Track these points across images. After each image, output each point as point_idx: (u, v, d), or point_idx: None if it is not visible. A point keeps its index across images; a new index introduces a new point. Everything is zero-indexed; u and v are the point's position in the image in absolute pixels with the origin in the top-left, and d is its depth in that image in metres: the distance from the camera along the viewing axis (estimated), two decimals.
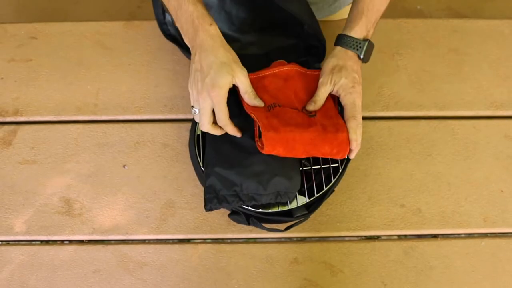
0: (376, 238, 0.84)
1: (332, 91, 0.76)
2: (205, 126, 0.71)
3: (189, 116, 0.89)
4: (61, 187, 0.85)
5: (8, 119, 0.90)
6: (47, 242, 0.83)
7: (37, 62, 0.94)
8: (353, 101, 0.74)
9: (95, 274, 0.80)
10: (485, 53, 0.96)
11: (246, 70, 0.70)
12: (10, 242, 0.83)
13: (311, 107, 0.76)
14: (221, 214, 0.83)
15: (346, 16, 0.86)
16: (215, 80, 0.67)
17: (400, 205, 0.84)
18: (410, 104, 0.92)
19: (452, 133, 0.90)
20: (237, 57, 0.71)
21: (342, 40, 0.78)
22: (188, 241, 0.83)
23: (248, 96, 0.72)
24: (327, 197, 0.77)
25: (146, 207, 0.84)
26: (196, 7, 0.69)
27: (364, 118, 0.89)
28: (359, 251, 0.82)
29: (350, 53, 0.77)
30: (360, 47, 0.77)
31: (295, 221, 0.78)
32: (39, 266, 0.81)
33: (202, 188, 0.82)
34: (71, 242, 0.83)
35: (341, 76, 0.75)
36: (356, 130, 0.73)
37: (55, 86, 0.92)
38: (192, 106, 0.71)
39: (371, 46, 0.78)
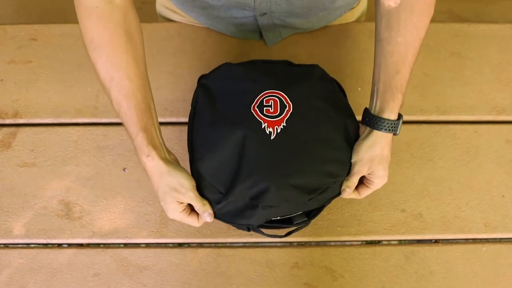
0: (377, 243, 0.84)
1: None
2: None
3: None
4: (61, 190, 0.84)
5: (7, 121, 0.90)
6: (46, 245, 0.83)
7: (37, 64, 0.93)
8: (377, 188, 0.76)
9: (94, 278, 0.80)
10: (487, 57, 0.96)
11: (192, 191, 0.70)
12: (9, 245, 0.83)
13: (345, 194, 0.75)
14: None
15: (348, 20, 0.85)
16: (167, 207, 0.71)
17: (401, 210, 0.84)
18: (412, 108, 0.91)
19: (454, 137, 0.89)
20: (177, 177, 0.70)
21: (380, 124, 0.73)
22: (188, 245, 0.83)
23: (200, 211, 0.72)
24: (328, 204, 0.77)
25: (146, 210, 0.83)
26: (137, 137, 0.68)
27: None
28: (359, 256, 0.82)
29: (389, 136, 0.74)
30: (396, 127, 0.74)
31: (295, 227, 0.77)
32: (38, 269, 0.80)
33: None
34: (70, 245, 0.83)
35: (380, 168, 0.74)
36: (364, 193, 0.77)
37: (55, 88, 0.91)
38: None
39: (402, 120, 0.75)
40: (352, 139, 0.76)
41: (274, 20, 0.88)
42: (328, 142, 0.73)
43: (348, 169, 0.75)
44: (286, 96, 0.73)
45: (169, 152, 0.73)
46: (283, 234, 0.77)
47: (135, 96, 0.68)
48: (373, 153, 0.73)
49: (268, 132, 0.71)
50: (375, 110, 0.74)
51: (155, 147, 0.69)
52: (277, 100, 0.73)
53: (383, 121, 0.72)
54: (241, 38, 0.95)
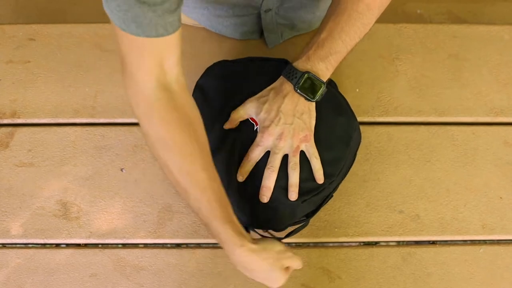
0: (374, 244, 0.84)
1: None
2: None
3: None
4: (58, 190, 0.84)
5: (5, 121, 0.89)
6: (43, 245, 0.83)
7: (35, 64, 0.93)
8: (260, 137, 0.73)
9: (91, 278, 0.80)
10: (485, 58, 0.96)
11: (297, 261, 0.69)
12: (6, 245, 0.82)
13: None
14: None
15: None
16: (278, 278, 0.67)
17: (398, 211, 0.84)
18: (410, 110, 0.91)
19: (452, 139, 0.89)
20: (271, 248, 0.67)
21: (286, 68, 0.73)
22: (185, 245, 0.83)
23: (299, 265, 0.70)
24: (326, 203, 0.77)
25: (144, 211, 0.83)
26: (226, 231, 0.63)
27: (363, 123, 0.90)
28: (357, 257, 0.82)
29: (286, 83, 0.72)
30: (294, 76, 0.71)
31: (294, 228, 0.77)
32: (35, 269, 0.80)
33: None
34: (67, 245, 0.83)
35: (253, 106, 0.73)
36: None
37: (53, 88, 0.91)
38: None
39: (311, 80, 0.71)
40: (346, 136, 0.75)
41: (278, 19, 0.88)
42: (320, 143, 0.73)
43: (341, 168, 0.75)
44: None
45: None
46: (283, 236, 0.77)
47: (213, 188, 0.64)
48: (262, 93, 0.73)
49: None
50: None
51: (242, 235, 0.64)
52: None
53: (288, 66, 0.72)
54: (240, 39, 0.95)
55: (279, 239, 0.77)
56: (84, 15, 1.63)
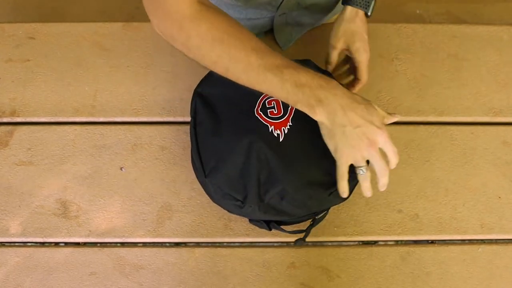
0: (373, 243, 0.84)
1: (347, 53, 0.84)
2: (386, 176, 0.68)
3: (187, 119, 0.89)
4: (58, 189, 0.84)
5: (4, 120, 0.89)
6: (42, 244, 0.83)
7: (35, 62, 0.93)
8: (364, 64, 0.83)
9: (90, 276, 0.80)
10: (484, 59, 0.96)
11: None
12: (6, 244, 0.82)
13: (330, 68, 0.84)
14: (218, 218, 0.83)
15: None
16: (376, 118, 0.65)
17: (397, 210, 0.84)
18: (409, 109, 0.91)
19: (451, 138, 0.90)
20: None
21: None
22: (184, 244, 0.83)
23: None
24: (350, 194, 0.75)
25: (143, 210, 0.83)
26: (302, 73, 0.63)
27: None
28: (356, 256, 0.82)
29: (360, 13, 0.81)
30: (368, 5, 0.80)
31: (315, 218, 0.77)
32: (34, 268, 0.80)
33: (199, 191, 0.82)
34: (67, 244, 0.83)
35: (354, 40, 0.81)
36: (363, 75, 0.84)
37: (52, 87, 0.91)
38: (358, 167, 0.68)
39: (375, 1, 0.81)
40: None
41: (288, 20, 0.89)
42: None
43: None
44: None
45: None
46: (304, 228, 0.77)
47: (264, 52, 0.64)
48: (346, 27, 0.80)
49: (276, 135, 0.71)
50: None
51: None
52: (278, 100, 0.73)
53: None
54: None
55: (301, 232, 0.77)
56: (84, 14, 1.63)
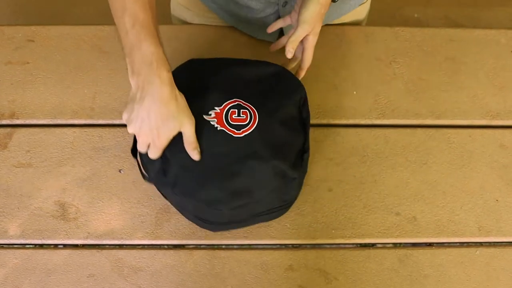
0: (371, 246, 0.84)
1: None
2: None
3: None
4: (56, 191, 0.84)
5: (4, 122, 0.90)
6: (41, 246, 0.83)
7: (34, 65, 0.94)
8: (313, 44, 0.81)
9: (89, 278, 0.80)
10: (481, 62, 0.97)
11: (193, 120, 0.71)
12: (4, 246, 0.82)
13: (290, 52, 0.79)
14: None
15: (358, 17, 0.86)
16: (162, 132, 0.68)
17: (395, 213, 0.85)
18: (407, 112, 0.92)
19: (448, 141, 0.90)
20: (186, 105, 0.70)
21: None
22: (183, 246, 0.83)
23: (189, 146, 0.71)
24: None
25: (142, 212, 0.83)
26: (158, 50, 0.66)
27: (360, 126, 0.90)
28: (354, 259, 0.82)
29: None
30: None
31: None
32: (32, 270, 0.80)
33: None
34: (65, 246, 0.83)
35: (319, 25, 0.79)
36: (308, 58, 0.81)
37: (51, 90, 0.92)
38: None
39: None
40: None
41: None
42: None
43: None
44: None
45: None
46: None
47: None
48: (319, 11, 0.78)
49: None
50: None
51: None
52: (246, 111, 0.75)
53: None
54: (250, 35, 0.97)
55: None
56: (83, 16, 1.64)
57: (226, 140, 0.72)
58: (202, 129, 0.72)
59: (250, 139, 0.73)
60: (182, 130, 0.70)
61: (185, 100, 0.70)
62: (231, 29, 0.98)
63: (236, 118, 0.74)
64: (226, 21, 0.98)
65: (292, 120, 0.78)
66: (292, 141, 0.77)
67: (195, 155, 0.72)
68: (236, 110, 0.74)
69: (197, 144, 0.72)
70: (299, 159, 0.77)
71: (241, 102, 0.75)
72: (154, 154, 0.71)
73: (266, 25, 0.89)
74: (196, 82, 0.77)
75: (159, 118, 0.67)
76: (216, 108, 0.74)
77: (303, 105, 0.80)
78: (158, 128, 0.68)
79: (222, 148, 0.72)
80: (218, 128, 0.73)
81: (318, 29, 0.80)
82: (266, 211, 0.78)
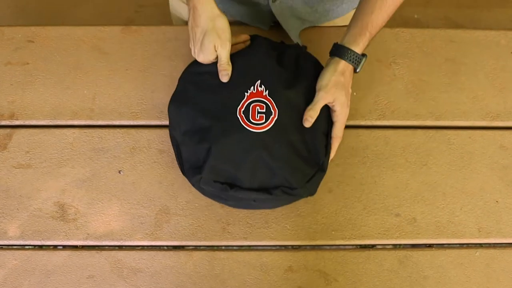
0: (371, 247, 0.84)
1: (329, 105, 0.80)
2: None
3: None
4: (56, 192, 0.84)
5: (3, 123, 0.90)
6: (40, 247, 0.83)
7: (34, 65, 0.94)
8: (344, 119, 0.81)
9: (88, 280, 0.80)
10: (481, 63, 0.96)
11: (228, 44, 0.77)
12: (3, 247, 0.82)
13: (307, 121, 0.77)
14: (216, 221, 0.83)
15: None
16: (203, 46, 0.77)
17: (395, 214, 0.85)
18: (407, 113, 0.92)
19: (448, 143, 0.90)
20: (226, 27, 0.77)
21: (345, 53, 0.79)
22: (182, 248, 0.83)
23: (221, 67, 0.78)
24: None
25: (141, 213, 0.83)
26: None
27: (360, 127, 0.90)
28: (353, 260, 0.82)
29: (351, 67, 0.80)
30: (359, 62, 0.80)
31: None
32: (32, 271, 0.80)
33: (197, 195, 0.83)
34: (65, 247, 0.83)
35: (342, 94, 0.79)
36: (335, 149, 0.81)
37: (51, 90, 0.92)
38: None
39: (365, 60, 0.81)
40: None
41: (284, 11, 0.91)
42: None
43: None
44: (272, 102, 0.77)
45: None
46: None
47: None
48: (337, 79, 0.78)
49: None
50: (342, 42, 0.80)
51: None
52: (263, 106, 0.76)
53: (347, 50, 0.78)
54: (250, 25, 0.97)
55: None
56: (83, 17, 1.64)
57: None
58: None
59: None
60: (218, 51, 0.78)
61: (225, 24, 0.77)
62: (231, 29, 0.98)
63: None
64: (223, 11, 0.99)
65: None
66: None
67: (223, 76, 0.78)
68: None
69: (229, 68, 0.78)
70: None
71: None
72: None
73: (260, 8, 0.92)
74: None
75: (199, 31, 0.77)
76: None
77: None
78: (200, 41, 0.78)
79: None
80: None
81: (342, 98, 0.79)
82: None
